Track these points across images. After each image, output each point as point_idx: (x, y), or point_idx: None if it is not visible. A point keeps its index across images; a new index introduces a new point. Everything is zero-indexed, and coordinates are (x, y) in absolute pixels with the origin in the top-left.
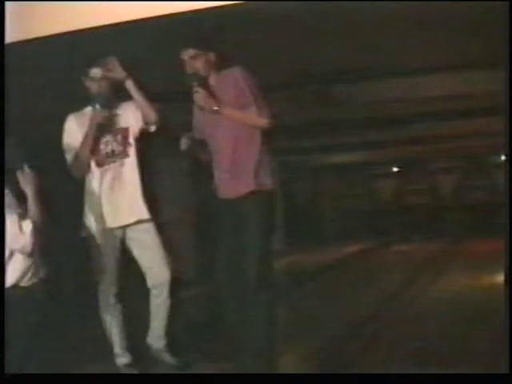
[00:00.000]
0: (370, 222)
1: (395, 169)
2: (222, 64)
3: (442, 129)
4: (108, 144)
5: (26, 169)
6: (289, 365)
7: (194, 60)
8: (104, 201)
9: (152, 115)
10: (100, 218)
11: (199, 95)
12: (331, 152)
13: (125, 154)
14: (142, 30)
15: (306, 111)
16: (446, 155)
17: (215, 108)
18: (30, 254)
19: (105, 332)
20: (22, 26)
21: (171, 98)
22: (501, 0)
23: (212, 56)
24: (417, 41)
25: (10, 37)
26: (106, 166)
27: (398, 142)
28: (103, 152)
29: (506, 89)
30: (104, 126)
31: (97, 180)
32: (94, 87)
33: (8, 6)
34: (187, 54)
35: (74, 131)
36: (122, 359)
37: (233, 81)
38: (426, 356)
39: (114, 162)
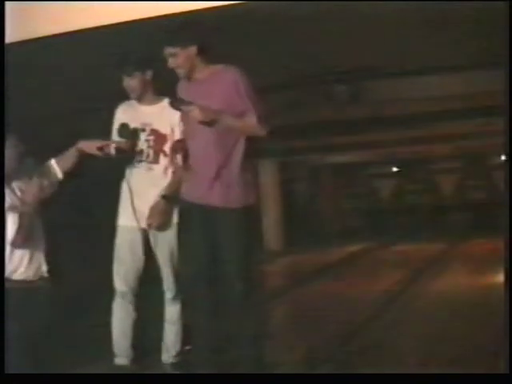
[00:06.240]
0: (370, 222)
1: (395, 169)
2: (207, 58)
3: (442, 129)
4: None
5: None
6: (289, 365)
7: (175, 58)
8: (133, 199)
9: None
10: (128, 215)
11: (195, 111)
12: (331, 152)
13: (155, 161)
14: (142, 29)
15: (306, 111)
16: (446, 155)
17: (213, 119)
18: (14, 245)
19: (104, 332)
20: (22, 26)
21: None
22: (501, 0)
23: (193, 50)
24: (417, 41)
25: (10, 37)
26: (134, 163)
27: (397, 142)
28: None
29: (506, 89)
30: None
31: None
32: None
33: (8, 6)
34: (167, 52)
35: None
36: (121, 360)
37: (228, 82)
38: (425, 356)
39: (140, 162)
